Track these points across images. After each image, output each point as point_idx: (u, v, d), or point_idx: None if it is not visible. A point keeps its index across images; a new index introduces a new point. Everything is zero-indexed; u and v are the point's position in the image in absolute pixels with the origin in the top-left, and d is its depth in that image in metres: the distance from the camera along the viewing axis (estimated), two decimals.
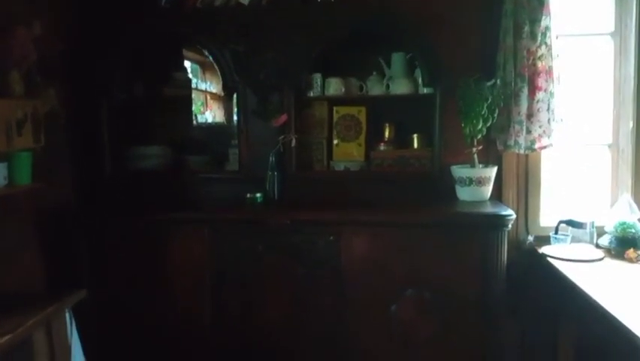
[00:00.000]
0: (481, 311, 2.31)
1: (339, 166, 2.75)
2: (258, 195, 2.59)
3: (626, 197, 2.59)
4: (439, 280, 2.32)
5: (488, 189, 2.50)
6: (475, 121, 2.40)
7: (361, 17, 2.57)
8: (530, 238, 2.73)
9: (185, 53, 2.92)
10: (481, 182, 2.45)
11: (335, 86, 2.69)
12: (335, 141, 2.77)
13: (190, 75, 2.95)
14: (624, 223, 2.51)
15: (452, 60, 2.58)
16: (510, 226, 2.29)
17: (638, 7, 2.63)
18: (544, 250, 2.57)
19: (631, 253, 2.41)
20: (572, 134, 2.75)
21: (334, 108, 2.75)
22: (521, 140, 2.57)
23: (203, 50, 2.76)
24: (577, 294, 2.11)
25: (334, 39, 2.58)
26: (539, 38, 2.53)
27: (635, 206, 2.55)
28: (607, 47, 2.77)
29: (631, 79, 2.67)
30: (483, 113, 2.43)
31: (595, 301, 1.94)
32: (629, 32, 2.67)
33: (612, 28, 2.74)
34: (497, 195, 2.67)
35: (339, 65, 2.71)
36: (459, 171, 2.48)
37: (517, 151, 2.59)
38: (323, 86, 2.70)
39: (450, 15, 2.62)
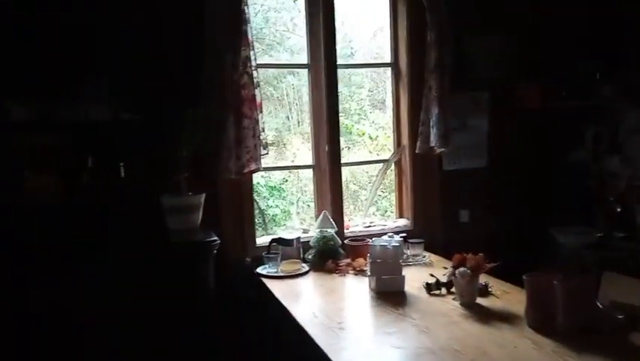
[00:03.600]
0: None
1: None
2: None
3: (325, 212, 2.89)
4: None
5: (198, 217, 2.48)
6: (181, 148, 2.36)
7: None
8: (248, 259, 2.83)
9: None
10: (190, 210, 2.42)
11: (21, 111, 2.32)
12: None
13: None
14: (324, 237, 2.79)
15: (155, 85, 2.49)
16: (215, 250, 2.32)
17: (327, 42, 2.97)
18: (259, 269, 2.69)
19: (330, 264, 2.68)
20: (282, 156, 2.97)
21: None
22: (231, 165, 2.64)
23: None
24: (283, 309, 2.24)
25: None
26: (240, 68, 2.64)
27: (331, 221, 2.86)
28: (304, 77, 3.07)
29: (324, 106, 3.00)
30: (189, 139, 2.41)
31: (290, 314, 2.09)
32: (320, 64, 3.00)
33: (307, 61, 3.04)
34: (215, 222, 2.69)
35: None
36: (168, 200, 2.41)
37: (228, 176, 2.65)
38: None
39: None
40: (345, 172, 3.38)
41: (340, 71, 3.04)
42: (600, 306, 1.73)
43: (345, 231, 3.08)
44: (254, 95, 2.69)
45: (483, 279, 2.20)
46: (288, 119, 3.64)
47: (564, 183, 3.29)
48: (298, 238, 2.79)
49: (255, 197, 3.05)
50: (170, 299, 2.15)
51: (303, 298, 2.35)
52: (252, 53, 2.66)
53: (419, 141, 3.06)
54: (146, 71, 2.48)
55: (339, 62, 3.05)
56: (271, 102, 3.35)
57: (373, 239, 2.46)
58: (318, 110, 3.03)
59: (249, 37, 2.67)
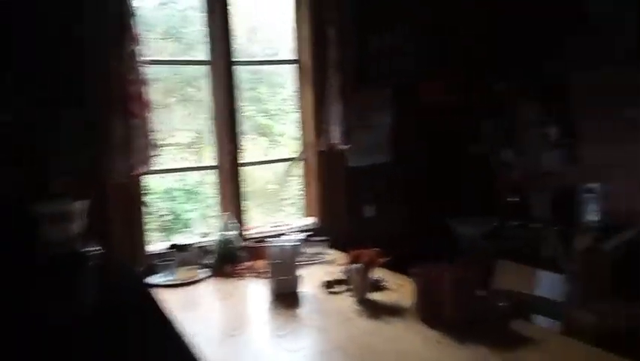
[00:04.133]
0: None
1: None
2: None
3: (226, 215, 2.78)
4: None
5: (79, 225, 2.29)
6: (58, 150, 2.16)
7: None
8: (141, 269, 2.66)
9: None
10: (69, 218, 2.23)
11: None
12: None
13: None
14: (224, 240, 2.68)
15: (27, 83, 2.28)
16: (96, 261, 2.15)
17: (224, 38, 2.86)
18: (151, 278, 2.53)
19: (228, 268, 2.57)
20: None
21: None
22: (119, 167, 2.46)
23: None
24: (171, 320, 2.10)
25: None
26: (128, 64, 2.47)
27: (232, 223, 2.75)
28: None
29: (221, 110, 2.89)
30: (67, 141, 2.21)
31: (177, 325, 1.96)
32: (220, 62, 2.88)
33: (207, 57, 2.91)
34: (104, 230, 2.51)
35: None
36: (43, 208, 2.19)
37: (117, 179, 2.47)
38: None
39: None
40: (268, 173, 3.32)
41: (262, 71, 2.95)
42: (486, 295, 1.76)
43: (248, 232, 2.98)
44: (141, 93, 2.53)
45: (380, 273, 2.19)
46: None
47: (465, 175, 3.38)
48: (196, 243, 2.66)
49: (151, 200, 2.88)
50: (42, 317, 1.95)
51: (197, 306, 2.22)
52: (138, 47, 2.50)
53: (322, 138, 3.03)
54: (15, 67, 2.26)
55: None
56: (192, 103, 3.18)
57: (272, 240, 2.38)
58: (221, 109, 2.92)
59: (136, 31, 2.50)
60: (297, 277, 2.22)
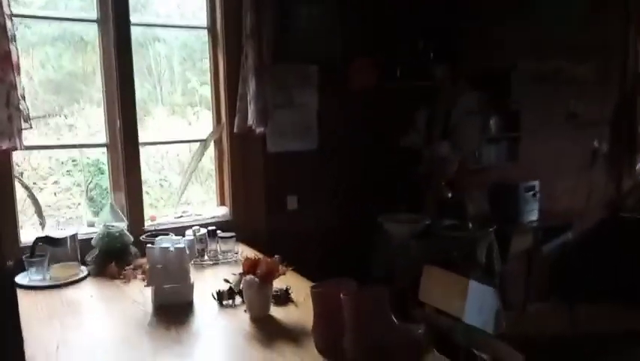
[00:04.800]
0: None
1: None
2: None
3: (112, 203, 2.36)
4: None
5: None
6: None
7: None
8: (10, 263, 2.21)
9: None
10: None
11: None
12: None
13: None
14: (109, 234, 2.26)
15: None
16: None
17: None
18: (20, 276, 2.09)
19: (112, 267, 2.16)
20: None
21: None
22: None
23: None
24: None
25: None
26: None
27: (120, 213, 2.33)
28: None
29: (114, 79, 2.44)
30: None
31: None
32: (110, 22, 2.42)
33: (96, 16, 2.44)
34: None
35: None
36: None
37: None
38: None
39: None
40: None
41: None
42: (396, 321, 1.44)
43: (149, 224, 2.57)
44: (7, 52, 2.05)
45: (288, 282, 1.85)
46: (155, 89, 2.99)
47: (396, 168, 3.08)
48: (73, 236, 2.22)
49: (26, 181, 2.42)
50: None
51: (57, 316, 1.79)
52: None
53: (237, 119, 2.63)
54: None
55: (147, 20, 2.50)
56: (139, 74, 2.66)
57: (159, 238, 1.98)
58: (110, 75, 2.46)
59: None
60: (185, 285, 1.85)
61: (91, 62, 2.58)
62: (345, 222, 3.00)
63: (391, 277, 2.77)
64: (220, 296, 1.82)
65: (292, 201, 2.92)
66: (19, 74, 2.10)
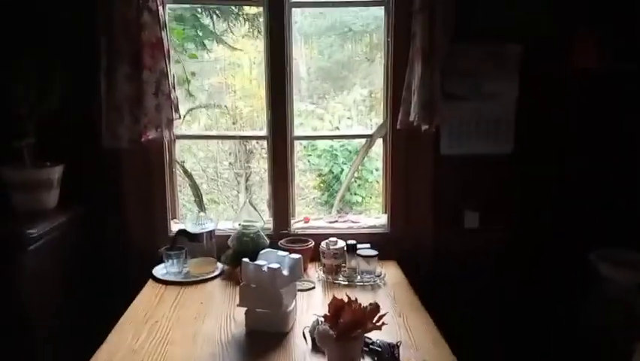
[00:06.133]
0: None
1: None
2: None
3: (250, 201, 2.20)
4: None
5: (52, 195, 1.93)
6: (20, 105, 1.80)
7: None
8: (161, 250, 2.24)
9: None
10: (39, 186, 1.88)
11: None
12: None
13: None
14: (243, 234, 2.10)
15: None
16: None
17: None
18: (157, 269, 2.10)
19: (237, 272, 1.98)
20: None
21: None
22: (122, 131, 2.03)
23: None
24: None
25: None
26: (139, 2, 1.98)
27: (257, 211, 2.15)
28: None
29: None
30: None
31: None
32: None
33: None
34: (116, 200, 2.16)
35: None
36: (10, 174, 1.87)
37: (117, 145, 2.04)
38: None
39: None
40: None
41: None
42: None
43: (299, 226, 2.34)
44: (159, 39, 2.03)
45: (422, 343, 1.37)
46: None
47: (628, 186, 2.18)
48: (210, 233, 2.13)
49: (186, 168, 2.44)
50: None
51: (149, 322, 1.68)
52: None
53: (400, 113, 2.17)
54: None
55: None
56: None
57: (265, 251, 1.71)
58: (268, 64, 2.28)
59: None
60: (276, 311, 1.54)
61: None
62: (542, 253, 2.27)
63: (606, 336, 1.96)
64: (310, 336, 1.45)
65: (472, 218, 2.31)
66: (169, 62, 2.07)
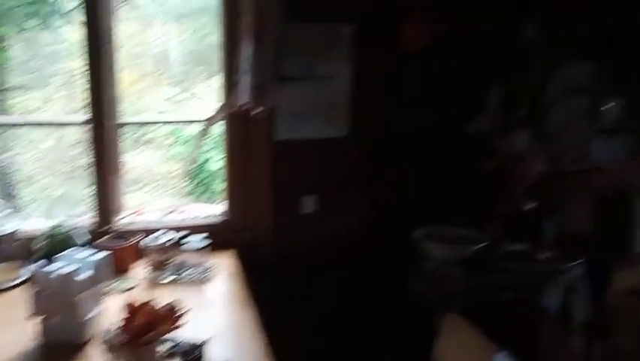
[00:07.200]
0: None
1: None
2: None
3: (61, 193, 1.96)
4: None
5: None
6: None
7: None
8: None
9: None
10: None
11: None
12: None
13: None
14: (53, 234, 1.86)
15: None
16: None
17: None
18: None
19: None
20: None
21: None
22: None
23: None
24: None
25: None
26: None
27: (70, 207, 1.93)
28: None
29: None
30: None
31: None
32: None
33: None
34: None
35: None
36: None
37: None
38: None
39: None
40: None
41: None
42: None
43: (127, 221, 2.14)
44: None
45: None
46: None
47: (457, 164, 2.30)
48: (12, 234, 1.87)
49: None
50: None
51: None
52: None
53: (233, 96, 2.07)
54: None
55: None
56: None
57: (67, 252, 1.52)
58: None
59: None
60: (71, 321, 1.36)
61: None
62: (379, 233, 2.32)
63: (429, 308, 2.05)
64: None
65: (309, 202, 2.29)
66: None
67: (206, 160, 3.84)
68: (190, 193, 4.05)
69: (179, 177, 4.00)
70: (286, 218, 2.26)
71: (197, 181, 4.13)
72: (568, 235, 2.18)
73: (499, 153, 2.22)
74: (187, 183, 4.04)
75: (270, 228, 2.24)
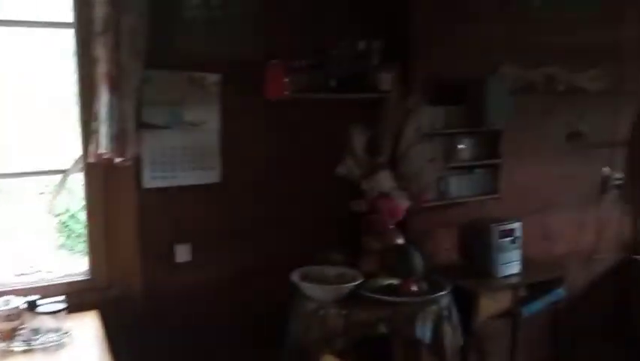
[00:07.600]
0: None
1: None
2: None
3: None
4: None
5: None
6: None
7: None
8: None
9: None
10: None
11: None
12: None
13: None
14: None
15: None
16: None
17: None
18: None
19: None
20: None
21: None
22: None
23: None
24: None
25: None
26: None
27: None
28: None
29: None
30: None
31: None
32: None
33: None
34: None
35: None
36: None
37: None
38: None
39: None
40: None
41: None
42: None
43: None
44: None
45: None
46: None
47: (331, 207, 2.37)
48: None
49: None
50: None
51: None
52: None
53: (91, 145, 1.95)
54: None
55: None
56: None
57: None
58: None
59: None
60: None
61: None
62: (258, 280, 2.28)
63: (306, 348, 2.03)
64: None
65: (183, 251, 2.21)
66: None
67: (78, 210, 3.53)
68: (62, 246, 3.70)
69: (47, 230, 3.65)
70: (158, 269, 2.15)
71: (68, 233, 3.79)
72: (435, 266, 2.31)
73: (368, 193, 2.32)
74: (57, 235, 3.70)
75: (138, 282, 2.11)
